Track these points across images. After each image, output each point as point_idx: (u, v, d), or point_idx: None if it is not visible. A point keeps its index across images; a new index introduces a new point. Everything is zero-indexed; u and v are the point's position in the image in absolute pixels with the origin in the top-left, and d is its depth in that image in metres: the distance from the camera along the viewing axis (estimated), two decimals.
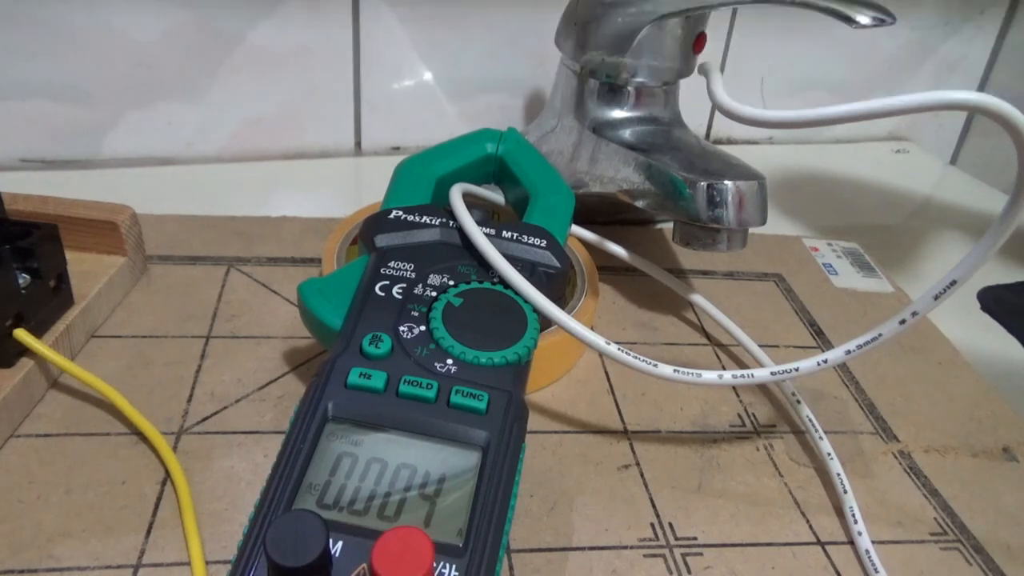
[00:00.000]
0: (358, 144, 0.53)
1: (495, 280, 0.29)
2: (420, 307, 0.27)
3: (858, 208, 0.54)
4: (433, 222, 0.31)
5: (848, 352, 0.28)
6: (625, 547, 0.27)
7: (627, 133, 0.40)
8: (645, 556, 0.27)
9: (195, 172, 0.49)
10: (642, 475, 0.30)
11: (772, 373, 0.30)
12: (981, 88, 0.65)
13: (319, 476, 0.21)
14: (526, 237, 0.31)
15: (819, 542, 0.28)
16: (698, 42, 0.39)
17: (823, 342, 0.39)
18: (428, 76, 0.52)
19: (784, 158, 0.59)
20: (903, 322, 0.27)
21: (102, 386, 0.29)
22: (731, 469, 0.30)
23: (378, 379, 0.24)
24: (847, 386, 0.36)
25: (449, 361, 0.25)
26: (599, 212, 0.44)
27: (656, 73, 0.40)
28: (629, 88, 0.40)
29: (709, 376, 0.29)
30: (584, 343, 0.29)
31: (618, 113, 0.41)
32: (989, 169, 0.61)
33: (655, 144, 0.39)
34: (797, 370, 0.29)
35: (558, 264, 0.30)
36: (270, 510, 0.20)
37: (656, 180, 0.37)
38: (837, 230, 0.50)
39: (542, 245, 0.31)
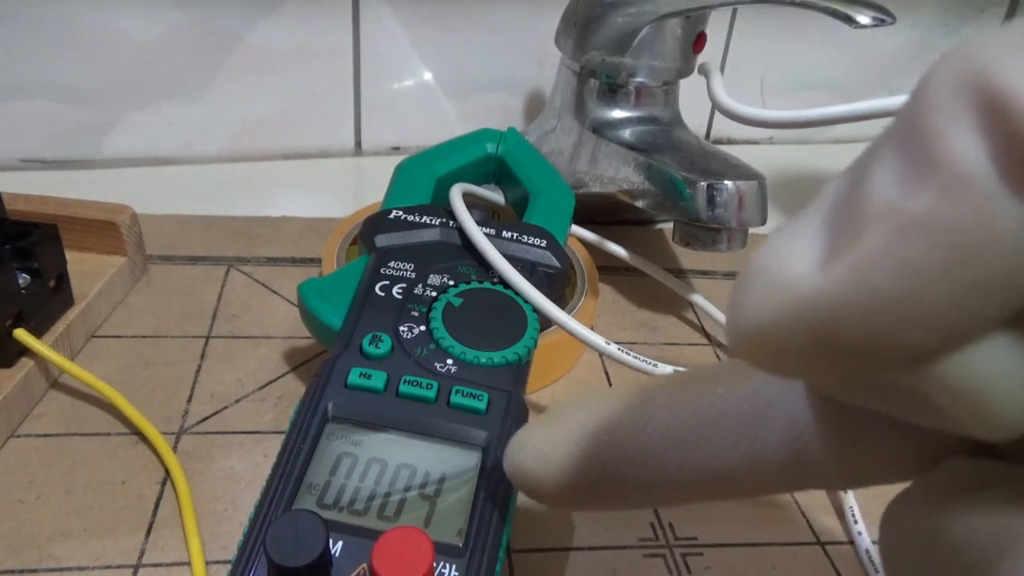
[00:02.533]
0: (358, 144, 0.53)
1: (495, 280, 0.29)
2: (420, 307, 0.27)
3: None
4: (433, 222, 0.31)
5: None
6: (625, 547, 0.27)
7: (627, 133, 0.40)
8: (645, 556, 0.27)
9: (195, 172, 0.49)
10: None
11: None
12: None
13: (319, 476, 0.21)
14: (526, 237, 0.31)
15: (819, 542, 0.28)
16: (698, 42, 0.39)
17: None
18: (428, 76, 0.52)
19: (784, 158, 0.59)
20: None
21: (102, 386, 0.29)
22: None
23: (378, 379, 0.24)
24: None
25: (449, 361, 0.25)
26: (599, 212, 0.44)
27: (656, 73, 0.40)
28: (629, 88, 0.40)
29: None
30: (584, 343, 0.29)
31: (618, 113, 0.41)
32: None
33: (655, 144, 0.39)
34: None
35: (558, 264, 0.30)
36: (270, 510, 0.20)
37: (656, 180, 0.37)
38: None
39: (542, 245, 0.31)
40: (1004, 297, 0.10)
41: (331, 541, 0.19)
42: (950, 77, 0.10)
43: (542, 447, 0.18)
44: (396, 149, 0.54)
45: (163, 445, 0.28)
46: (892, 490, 0.29)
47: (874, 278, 0.10)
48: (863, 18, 0.31)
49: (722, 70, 0.56)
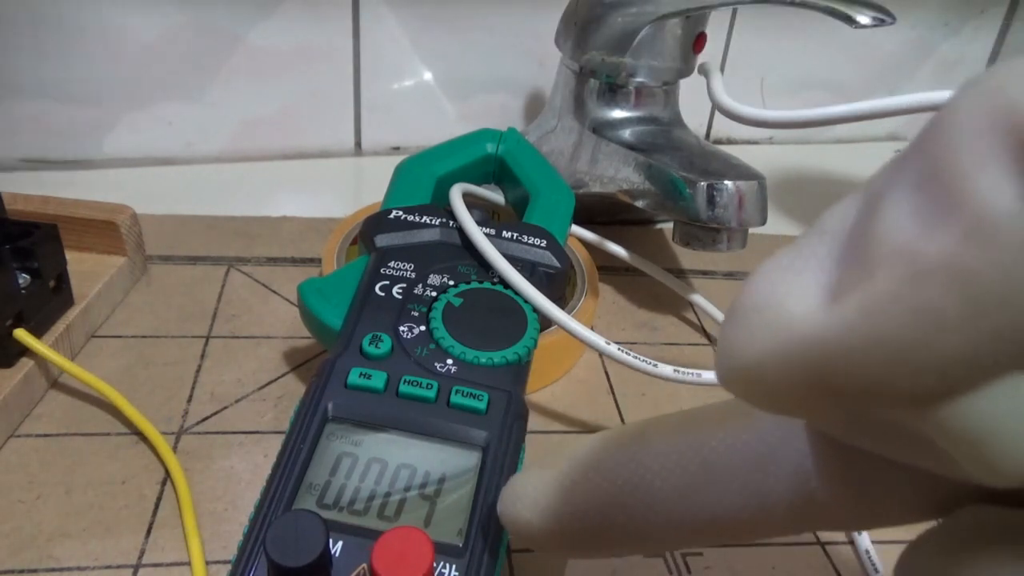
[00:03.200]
0: (358, 144, 0.53)
1: (495, 280, 0.29)
2: (420, 307, 0.27)
3: None
4: (433, 222, 0.31)
5: None
6: None
7: (627, 133, 0.40)
8: (645, 556, 0.27)
9: (195, 172, 0.49)
10: None
11: None
12: None
13: (319, 476, 0.21)
14: (526, 237, 0.31)
15: (819, 542, 0.28)
16: (698, 42, 0.39)
17: None
18: (428, 76, 0.52)
19: (784, 158, 0.59)
20: None
21: (102, 386, 0.29)
22: None
23: (378, 379, 0.24)
24: None
25: (449, 361, 0.25)
26: (599, 212, 0.44)
27: (656, 73, 0.40)
28: (629, 88, 0.40)
29: (709, 376, 0.29)
30: (584, 343, 0.29)
31: (618, 113, 0.41)
32: None
33: (655, 144, 0.39)
34: None
35: (558, 264, 0.30)
36: (270, 510, 0.20)
37: (656, 180, 0.37)
38: None
39: (542, 245, 0.31)
40: (1020, 346, 0.09)
41: (331, 541, 0.19)
42: (978, 111, 0.09)
43: (537, 496, 0.18)
44: (396, 149, 0.54)
45: (163, 445, 0.28)
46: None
47: (883, 323, 0.09)
48: (863, 18, 0.31)
49: (722, 70, 0.56)
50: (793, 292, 0.11)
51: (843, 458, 0.14)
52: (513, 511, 0.18)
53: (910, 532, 0.14)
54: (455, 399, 0.24)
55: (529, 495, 0.18)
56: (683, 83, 0.41)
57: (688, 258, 0.44)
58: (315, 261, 0.40)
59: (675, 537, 0.16)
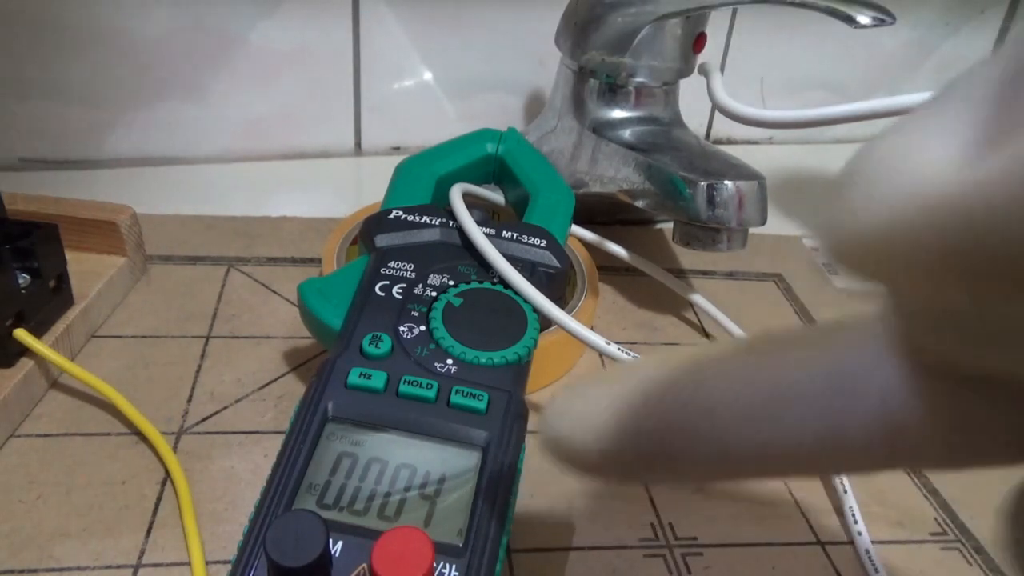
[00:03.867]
0: (358, 144, 0.53)
1: (495, 280, 0.29)
2: (420, 307, 0.27)
3: None
4: (433, 222, 0.31)
5: None
6: (625, 547, 0.27)
7: (627, 133, 0.40)
8: (645, 556, 0.27)
9: (195, 172, 0.49)
10: None
11: None
12: None
13: (319, 476, 0.21)
14: (526, 237, 0.31)
15: (819, 542, 0.28)
16: (698, 42, 0.39)
17: None
18: (428, 76, 0.52)
19: (784, 158, 0.59)
20: None
21: (102, 386, 0.29)
22: None
23: (378, 379, 0.24)
24: None
25: (449, 361, 0.25)
26: (599, 212, 0.44)
27: (656, 73, 0.40)
28: (629, 88, 0.40)
29: None
30: (584, 343, 0.29)
31: (618, 113, 0.41)
32: None
33: (655, 144, 0.39)
34: None
35: (558, 264, 0.30)
36: (270, 510, 0.20)
37: (656, 180, 0.37)
38: None
39: (542, 245, 0.31)
40: None
41: (331, 541, 0.19)
42: None
43: (588, 414, 0.16)
44: (396, 149, 0.54)
45: (163, 445, 0.28)
46: (892, 490, 0.29)
47: None
48: (863, 18, 0.31)
49: (722, 70, 0.56)
50: (931, 147, 0.09)
51: (942, 384, 0.13)
52: (559, 428, 0.16)
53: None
54: (455, 399, 0.24)
55: (579, 413, 0.16)
56: (683, 83, 0.41)
57: (688, 258, 0.44)
58: (315, 261, 0.40)
59: (734, 468, 0.15)
